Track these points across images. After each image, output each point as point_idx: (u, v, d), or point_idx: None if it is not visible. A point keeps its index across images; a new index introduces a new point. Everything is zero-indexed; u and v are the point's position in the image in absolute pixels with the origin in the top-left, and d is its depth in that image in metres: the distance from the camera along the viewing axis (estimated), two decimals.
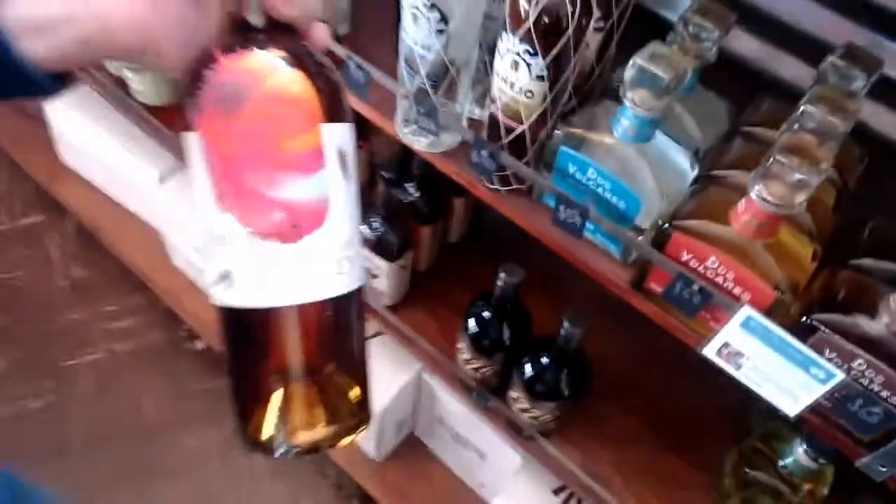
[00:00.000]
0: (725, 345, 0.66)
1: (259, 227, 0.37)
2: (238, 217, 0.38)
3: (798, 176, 0.56)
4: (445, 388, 1.15)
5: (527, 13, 0.62)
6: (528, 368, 0.91)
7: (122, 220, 1.62)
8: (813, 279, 0.65)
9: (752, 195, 0.59)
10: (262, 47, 0.38)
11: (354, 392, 0.42)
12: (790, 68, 0.84)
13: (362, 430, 0.42)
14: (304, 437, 0.40)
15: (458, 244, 1.18)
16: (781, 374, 0.63)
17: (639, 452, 1.03)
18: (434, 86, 0.74)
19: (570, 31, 0.62)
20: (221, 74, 0.37)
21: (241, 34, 0.39)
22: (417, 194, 1.02)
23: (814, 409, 0.64)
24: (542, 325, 0.94)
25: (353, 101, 0.85)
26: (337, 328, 0.41)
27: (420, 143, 0.81)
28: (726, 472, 0.96)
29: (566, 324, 0.83)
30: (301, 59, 0.38)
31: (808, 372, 0.61)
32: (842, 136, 0.62)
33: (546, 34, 0.62)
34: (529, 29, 0.62)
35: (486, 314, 0.92)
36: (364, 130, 1.09)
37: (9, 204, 1.81)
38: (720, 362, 0.67)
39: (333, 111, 0.39)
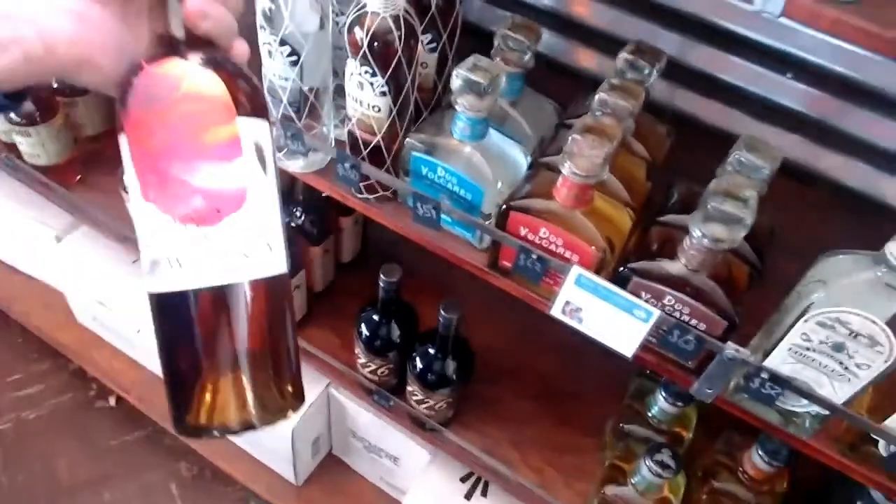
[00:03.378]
0: (567, 303, 0.77)
1: (181, 213, 0.40)
2: (161, 206, 0.40)
3: (594, 151, 0.68)
4: (352, 398, 1.22)
5: (362, 40, 0.72)
6: (417, 361, 0.99)
7: (21, 285, 1.62)
8: (630, 238, 0.77)
9: (564, 171, 0.71)
10: (182, 55, 0.42)
11: (283, 376, 0.44)
12: (600, 65, 0.99)
13: (293, 413, 0.44)
14: (235, 419, 0.41)
15: (351, 263, 1.27)
16: (613, 320, 0.74)
17: (533, 428, 1.12)
18: (297, 111, 0.83)
19: (400, 51, 0.73)
20: (144, 78, 0.41)
21: (166, 47, 0.43)
22: (306, 217, 1.10)
23: (645, 346, 0.76)
24: (430, 323, 1.04)
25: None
26: (262, 311, 0.42)
27: (294, 165, 0.90)
28: (607, 433, 1.07)
29: (442, 311, 0.92)
30: (217, 62, 0.43)
31: (633, 314, 0.73)
32: (632, 116, 0.75)
33: (380, 56, 0.73)
34: (366, 53, 0.73)
35: (374, 316, 1.01)
36: None
37: None
38: (565, 319, 0.78)
39: (250, 107, 0.43)
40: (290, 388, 0.44)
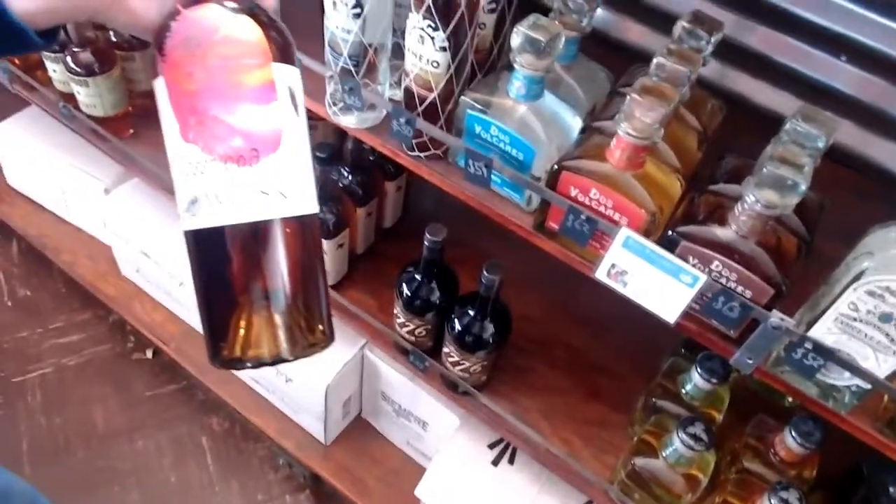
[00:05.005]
0: (612, 266, 0.78)
1: (221, 153, 0.42)
2: (202, 146, 0.42)
3: (651, 110, 0.68)
4: (386, 360, 1.25)
5: None
6: (456, 322, 1.01)
7: (68, 236, 1.67)
8: (678, 206, 0.78)
9: (619, 131, 0.72)
10: (217, 1, 0.43)
11: (314, 313, 0.46)
12: (652, 42, 1.00)
13: (322, 349, 0.46)
14: (268, 352, 0.43)
15: (392, 229, 1.29)
16: (658, 285, 0.75)
17: (563, 400, 1.13)
18: (356, 65, 0.85)
19: (463, 6, 0.74)
20: (182, 22, 0.43)
21: None
22: (351, 178, 1.12)
23: (687, 314, 0.76)
24: (469, 288, 1.05)
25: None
26: (295, 250, 0.44)
27: (348, 121, 0.92)
28: (638, 409, 1.07)
29: (485, 272, 0.93)
30: (251, 9, 0.45)
31: (678, 278, 0.73)
32: (688, 82, 0.75)
33: (443, 11, 0.74)
34: (429, 6, 0.74)
35: (416, 276, 1.03)
36: None
37: None
38: (609, 282, 0.79)
39: (283, 55, 0.45)
40: (320, 326, 0.46)
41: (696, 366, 0.97)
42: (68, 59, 1.26)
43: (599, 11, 1.03)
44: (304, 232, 0.45)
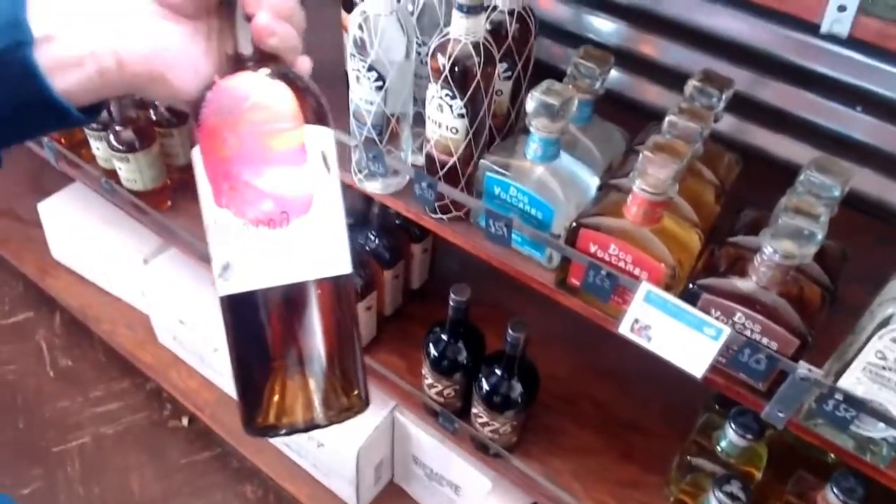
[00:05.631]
0: (636, 321, 0.78)
1: (252, 216, 0.42)
2: (234, 210, 0.42)
3: (663, 167, 0.70)
4: (417, 422, 1.24)
5: (444, 65, 0.78)
6: (483, 382, 1.01)
7: (108, 306, 1.73)
8: (698, 260, 0.78)
9: (634, 188, 0.73)
10: (251, 70, 0.45)
11: (349, 377, 0.45)
12: (668, 101, 1.02)
13: (357, 413, 0.45)
14: (301, 419, 0.43)
15: (420, 290, 1.31)
16: (683, 339, 0.75)
17: (595, 460, 1.12)
18: (379, 134, 0.89)
19: (479, 76, 0.78)
20: (216, 92, 0.44)
21: (235, 64, 0.46)
22: (378, 241, 1.15)
23: (714, 368, 0.76)
24: (497, 347, 1.06)
25: None
26: (329, 312, 0.44)
27: (373, 187, 0.95)
28: (673, 468, 1.05)
29: (510, 330, 0.94)
30: (284, 74, 0.45)
31: (702, 331, 0.73)
32: (700, 138, 0.77)
33: (460, 81, 0.78)
34: (447, 77, 0.78)
35: (442, 336, 1.04)
36: None
37: None
38: (634, 337, 0.79)
39: (316, 117, 0.45)
40: (355, 391, 0.45)
41: (730, 421, 0.95)
42: (111, 137, 1.33)
43: (614, 73, 1.07)
44: (338, 294, 0.45)
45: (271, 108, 0.43)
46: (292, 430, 0.43)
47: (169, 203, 1.46)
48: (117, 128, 1.33)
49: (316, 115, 0.45)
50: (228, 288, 0.43)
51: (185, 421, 1.71)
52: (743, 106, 0.97)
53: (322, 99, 0.47)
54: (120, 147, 1.34)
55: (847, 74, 0.91)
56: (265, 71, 0.45)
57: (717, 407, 1.07)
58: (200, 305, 1.47)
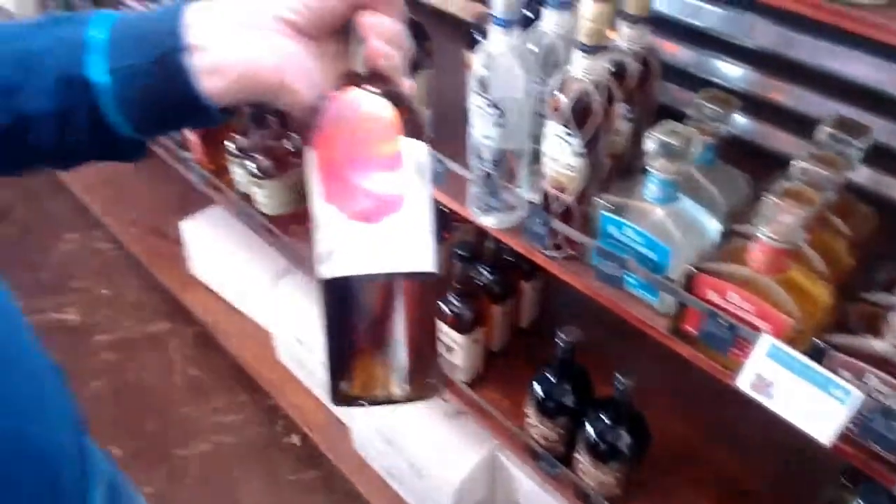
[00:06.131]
0: (756, 375, 0.73)
1: (352, 211, 0.47)
2: (339, 206, 0.48)
3: (791, 213, 0.66)
4: (517, 464, 1.22)
5: (564, 103, 0.78)
6: (589, 428, 0.98)
7: (237, 322, 1.84)
8: (828, 315, 0.73)
9: (759, 234, 0.70)
10: (362, 87, 0.51)
11: (424, 362, 0.50)
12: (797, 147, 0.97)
13: (430, 397, 0.50)
14: (381, 393, 0.47)
15: (528, 329, 1.30)
16: (808, 399, 0.70)
17: None
18: (496, 169, 0.90)
19: (599, 116, 0.78)
20: (333, 102, 0.51)
21: (351, 80, 0.53)
22: (490, 276, 1.16)
23: (845, 436, 0.70)
24: (605, 394, 1.03)
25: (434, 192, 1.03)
26: (411, 304, 0.48)
27: (488, 221, 0.97)
28: None
29: (619, 377, 0.91)
30: (389, 92, 0.51)
31: (829, 392, 0.68)
32: (832, 186, 0.72)
33: (580, 118, 0.78)
34: (566, 114, 0.78)
35: (549, 377, 1.02)
36: (447, 222, 1.27)
37: (140, 313, 2.09)
38: (754, 393, 0.74)
39: (412, 130, 0.51)
40: (429, 379, 0.49)
41: (859, 499, 0.86)
42: (251, 164, 1.44)
43: (742, 119, 1.03)
44: (420, 289, 0.49)
45: (376, 119, 0.49)
46: (373, 402, 0.48)
47: (299, 227, 1.54)
48: (257, 156, 1.44)
49: (413, 129, 0.50)
50: (328, 272, 0.48)
51: (296, 439, 1.77)
52: (880, 157, 0.91)
53: (420, 117, 0.52)
54: (259, 174, 1.44)
55: None
56: (373, 89, 0.50)
57: (845, 481, 0.97)
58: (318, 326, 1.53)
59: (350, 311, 0.49)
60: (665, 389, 1.11)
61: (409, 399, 0.48)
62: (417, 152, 0.50)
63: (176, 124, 0.53)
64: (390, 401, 0.48)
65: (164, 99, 0.48)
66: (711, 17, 1.02)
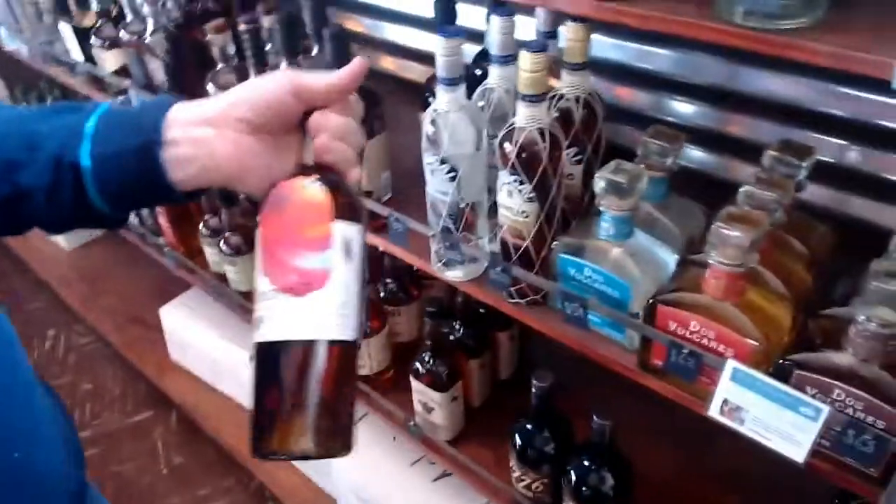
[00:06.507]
0: (725, 402, 0.73)
1: (281, 284, 0.53)
2: (270, 278, 0.53)
3: (737, 236, 0.68)
4: None
5: (511, 152, 0.80)
6: (572, 474, 0.97)
7: (218, 404, 1.81)
8: (790, 334, 0.73)
9: (711, 261, 0.71)
10: (308, 176, 0.56)
11: (340, 422, 0.54)
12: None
13: (341, 455, 0.53)
14: (296, 449, 0.51)
15: (509, 380, 1.29)
16: (778, 420, 0.70)
17: None
18: (454, 223, 0.92)
19: (545, 160, 0.80)
20: (277, 189, 0.56)
21: (301, 170, 0.58)
22: (463, 330, 1.16)
23: (818, 452, 0.69)
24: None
25: (396, 250, 1.04)
26: (331, 369, 0.53)
27: (452, 274, 0.97)
28: None
29: (595, 419, 0.91)
30: (329, 180, 0.56)
31: (799, 411, 0.68)
32: (779, 207, 0.74)
33: (527, 165, 0.80)
34: (514, 163, 0.81)
35: (528, 425, 1.01)
36: (416, 281, 1.27)
37: (122, 404, 2.05)
38: (725, 420, 0.74)
39: (347, 214, 0.55)
40: (340, 437, 0.53)
41: None
42: (221, 242, 1.45)
43: (697, 152, 1.06)
44: (341, 354, 0.54)
45: (311, 205, 0.55)
46: (290, 457, 0.52)
47: None
48: (227, 234, 1.45)
49: (348, 213, 0.55)
50: (259, 336, 0.53)
51: None
52: (835, 175, 0.94)
53: (358, 202, 0.57)
54: (229, 251, 1.45)
55: None
56: (314, 177, 0.56)
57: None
58: None
59: (275, 374, 0.52)
60: (650, 426, 1.09)
61: (320, 455, 0.52)
62: (346, 233, 0.55)
63: (146, 204, 0.63)
64: (305, 456, 0.52)
65: (136, 183, 0.56)
66: (659, 60, 1.07)
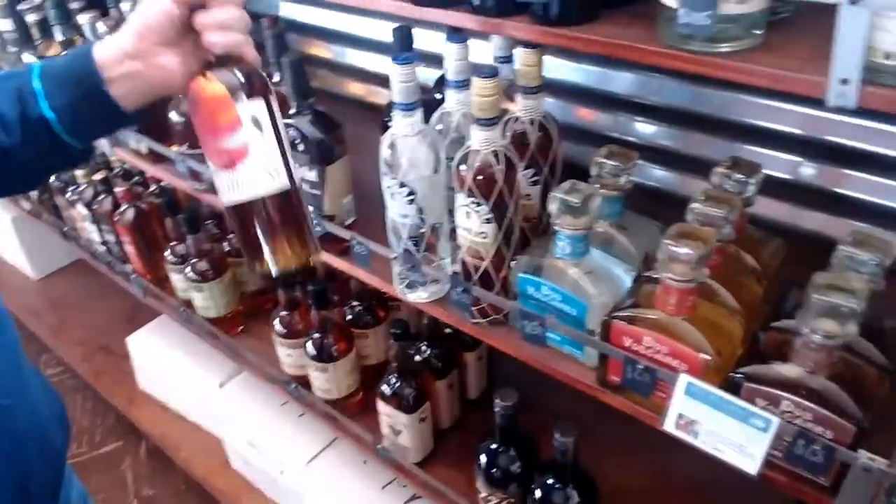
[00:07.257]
0: (679, 416, 0.74)
1: (217, 164, 0.68)
2: (210, 161, 0.69)
3: (685, 252, 0.69)
4: None
5: (466, 174, 0.82)
6: (537, 493, 0.97)
7: (187, 433, 1.78)
8: (742, 347, 0.75)
9: (661, 277, 0.72)
10: (208, 70, 0.67)
11: (303, 238, 0.70)
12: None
13: (313, 260, 0.70)
14: (284, 265, 0.68)
15: (478, 400, 1.29)
16: (730, 432, 0.71)
17: None
18: (416, 245, 0.92)
19: (501, 182, 0.81)
20: (190, 90, 0.68)
21: (205, 66, 0.68)
22: (429, 351, 1.16)
23: (771, 463, 0.71)
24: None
25: (360, 273, 1.04)
26: (280, 207, 0.68)
27: (415, 296, 0.98)
28: None
29: (557, 434, 0.91)
30: (225, 71, 0.66)
31: (749, 423, 0.69)
32: (727, 223, 0.76)
33: (483, 187, 0.82)
34: (470, 185, 0.82)
35: (493, 445, 1.01)
36: (384, 302, 1.28)
37: (91, 435, 2.01)
38: (680, 434, 0.75)
39: (251, 92, 0.66)
40: (306, 250, 0.69)
41: None
42: (187, 269, 1.44)
43: (657, 170, 1.08)
44: (283, 197, 0.68)
45: (214, 98, 0.66)
46: (279, 273, 0.69)
47: (241, 328, 1.53)
48: (193, 260, 1.44)
49: (250, 89, 0.66)
50: (224, 202, 0.69)
51: None
52: (786, 190, 0.96)
53: (257, 76, 0.67)
54: (195, 277, 1.44)
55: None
56: (212, 72, 0.67)
57: None
58: (270, 427, 1.50)
59: (246, 218, 0.69)
60: (617, 441, 1.10)
61: (287, 269, 0.69)
62: (252, 110, 0.66)
63: (110, 130, 0.80)
64: (292, 269, 0.69)
65: (96, 119, 0.69)
66: (619, 82, 1.09)
